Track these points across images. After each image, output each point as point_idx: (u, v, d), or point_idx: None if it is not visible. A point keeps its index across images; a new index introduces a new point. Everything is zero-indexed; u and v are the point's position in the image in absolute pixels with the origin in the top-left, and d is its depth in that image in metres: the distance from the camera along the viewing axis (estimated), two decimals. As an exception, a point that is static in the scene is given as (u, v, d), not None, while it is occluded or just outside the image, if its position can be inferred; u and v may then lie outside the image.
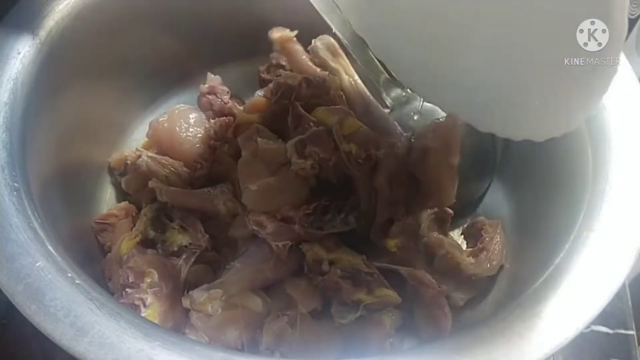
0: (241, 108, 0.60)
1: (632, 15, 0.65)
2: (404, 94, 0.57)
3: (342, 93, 0.54)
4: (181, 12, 0.58)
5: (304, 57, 0.57)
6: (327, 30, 0.56)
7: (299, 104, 0.51)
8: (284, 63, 0.60)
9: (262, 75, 0.61)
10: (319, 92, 0.52)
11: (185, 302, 0.47)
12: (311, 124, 0.49)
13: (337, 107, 0.53)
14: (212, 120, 0.57)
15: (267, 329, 0.47)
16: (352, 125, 0.49)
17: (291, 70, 0.59)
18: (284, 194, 0.48)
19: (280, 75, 0.56)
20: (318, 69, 0.56)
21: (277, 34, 0.58)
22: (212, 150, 0.53)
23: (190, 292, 0.46)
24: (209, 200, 0.51)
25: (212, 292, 0.44)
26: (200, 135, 0.57)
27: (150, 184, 0.52)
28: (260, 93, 0.61)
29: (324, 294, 0.48)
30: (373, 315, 0.48)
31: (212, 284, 0.46)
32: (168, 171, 0.54)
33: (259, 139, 0.49)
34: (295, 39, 0.58)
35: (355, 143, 0.48)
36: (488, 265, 0.51)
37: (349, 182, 0.50)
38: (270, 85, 0.55)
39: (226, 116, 0.59)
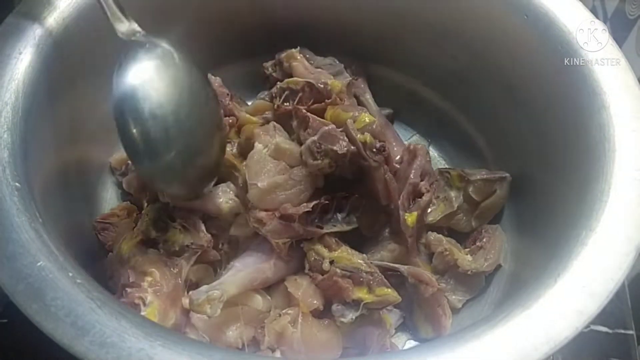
0: (242, 109, 0.60)
1: (632, 15, 0.65)
2: (137, 28, 0.46)
3: (344, 97, 0.54)
4: (181, 12, 0.58)
5: (298, 66, 0.58)
6: (330, 28, 0.56)
7: (302, 108, 0.52)
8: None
9: (267, 72, 0.61)
10: (321, 96, 0.53)
11: (185, 303, 0.47)
12: (318, 123, 0.49)
13: (349, 105, 0.53)
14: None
15: (268, 328, 0.47)
16: (365, 119, 0.50)
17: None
18: (288, 194, 0.48)
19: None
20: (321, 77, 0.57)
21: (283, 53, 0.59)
22: None
23: (189, 293, 0.46)
24: (210, 200, 0.51)
25: (211, 294, 0.44)
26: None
27: None
28: (262, 95, 0.61)
29: (325, 293, 0.48)
30: (373, 314, 0.48)
31: (211, 284, 0.46)
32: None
33: (277, 137, 0.49)
34: (299, 55, 0.58)
35: (369, 133, 0.48)
36: (485, 262, 0.51)
37: (365, 175, 0.49)
38: (274, 89, 0.56)
39: (227, 117, 0.59)
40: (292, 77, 0.57)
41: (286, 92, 0.54)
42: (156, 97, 0.41)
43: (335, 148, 0.47)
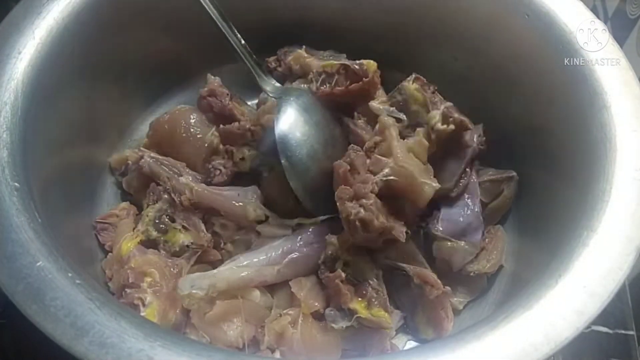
0: (242, 108, 0.60)
1: (633, 15, 0.65)
2: (277, 84, 0.57)
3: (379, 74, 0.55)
4: (181, 11, 0.58)
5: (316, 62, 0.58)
6: (330, 27, 0.55)
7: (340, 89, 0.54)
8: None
9: (271, 66, 0.61)
10: (357, 77, 0.54)
11: (186, 303, 0.47)
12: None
13: None
14: (221, 127, 0.57)
15: (268, 327, 0.47)
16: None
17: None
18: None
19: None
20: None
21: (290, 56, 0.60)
22: (230, 154, 0.55)
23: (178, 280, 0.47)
24: (238, 204, 0.52)
25: (195, 293, 0.45)
26: (200, 136, 0.58)
27: (182, 179, 0.52)
28: (263, 95, 0.61)
29: (325, 293, 0.48)
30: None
31: (203, 274, 0.46)
32: (170, 172, 0.54)
33: (410, 140, 0.50)
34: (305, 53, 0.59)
35: None
36: (487, 263, 0.51)
37: (451, 153, 0.52)
38: (310, 75, 0.56)
39: (227, 117, 0.59)
40: (292, 72, 0.58)
41: (322, 76, 0.56)
42: (301, 135, 0.52)
43: (463, 118, 0.50)
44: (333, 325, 0.46)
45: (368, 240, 0.47)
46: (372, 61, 0.54)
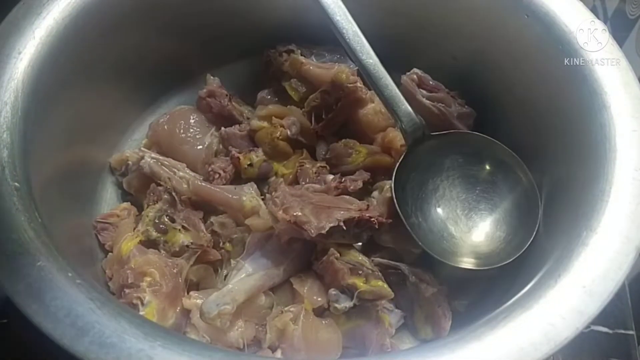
0: (241, 109, 0.60)
1: (632, 15, 0.65)
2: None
3: (356, 79, 0.56)
4: (181, 12, 0.58)
5: (312, 68, 0.59)
6: (329, 28, 0.55)
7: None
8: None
9: (271, 56, 0.62)
10: (340, 91, 0.56)
11: (186, 303, 0.47)
12: None
13: None
14: (222, 130, 0.58)
15: (270, 324, 0.47)
16: None
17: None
18: None
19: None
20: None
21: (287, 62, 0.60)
22: (237, 161, 0.55)
23: (199, 300, 0.46)
24: (235, 195, 0.52)
25: (223, 309, 0.45)
26: (200, 136, 0.58)
27: (180, 173, 0.53)
28: (263, 94, 0.61)
29: (323, 281, 0.49)
30: (370, 312, 0.48)
31: (221, 292, 0.46)
32: (170, 172, 0.54)
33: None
34: (302, 58, 0.59)
35: None
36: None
37: None
38: (308, 108, 0.58)
39: (226, 118, 0.59)
40: (283, 72, 0.60)
41: (314, 112, 0.57)
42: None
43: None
44: (336, 305, 0.47)
45: (290, 231, 0.48)
46: (341, 70, 0.56)
